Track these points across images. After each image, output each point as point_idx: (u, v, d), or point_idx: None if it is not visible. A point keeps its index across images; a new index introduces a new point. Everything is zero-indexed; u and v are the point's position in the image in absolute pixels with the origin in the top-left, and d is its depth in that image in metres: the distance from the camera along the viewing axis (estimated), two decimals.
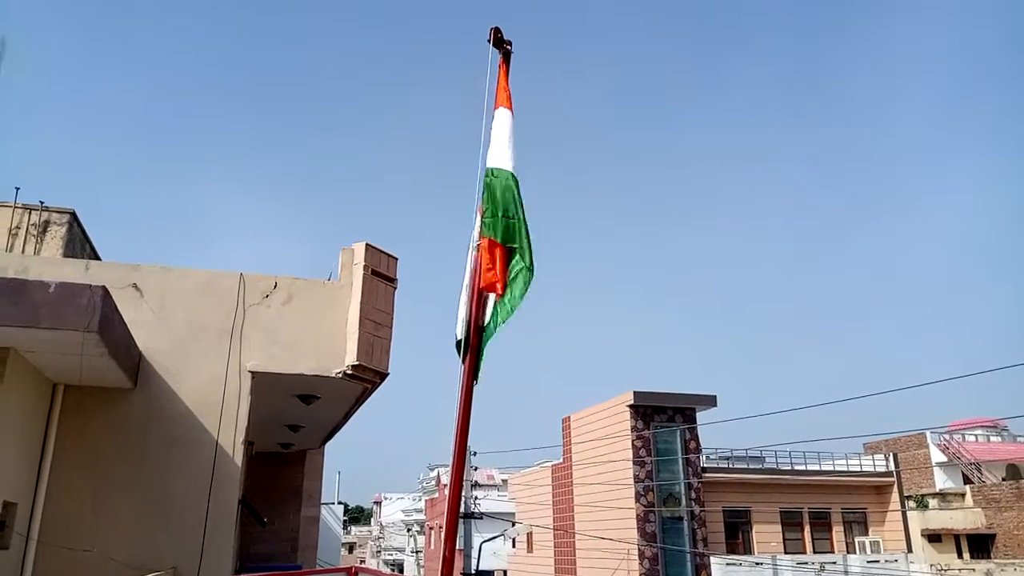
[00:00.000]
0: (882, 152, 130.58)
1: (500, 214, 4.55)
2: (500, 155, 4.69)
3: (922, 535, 27.61)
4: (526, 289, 4.49)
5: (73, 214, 9.28)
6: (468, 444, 4.97)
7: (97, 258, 9.87)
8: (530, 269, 4.53)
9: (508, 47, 4.95)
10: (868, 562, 25.51)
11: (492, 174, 4.65)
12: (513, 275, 4.52)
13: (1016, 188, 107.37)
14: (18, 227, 8.84)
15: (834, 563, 25.14)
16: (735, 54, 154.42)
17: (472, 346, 4.59)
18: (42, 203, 9.03)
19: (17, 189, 9.06)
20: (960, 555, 28.02)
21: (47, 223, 8.99)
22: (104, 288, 6.12)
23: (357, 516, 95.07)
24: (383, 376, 8.98)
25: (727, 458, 27.04)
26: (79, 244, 9.59)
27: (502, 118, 4.81)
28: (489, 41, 4.88)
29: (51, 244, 8.93)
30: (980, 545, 28.61)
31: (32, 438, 7.19)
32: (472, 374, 4.57)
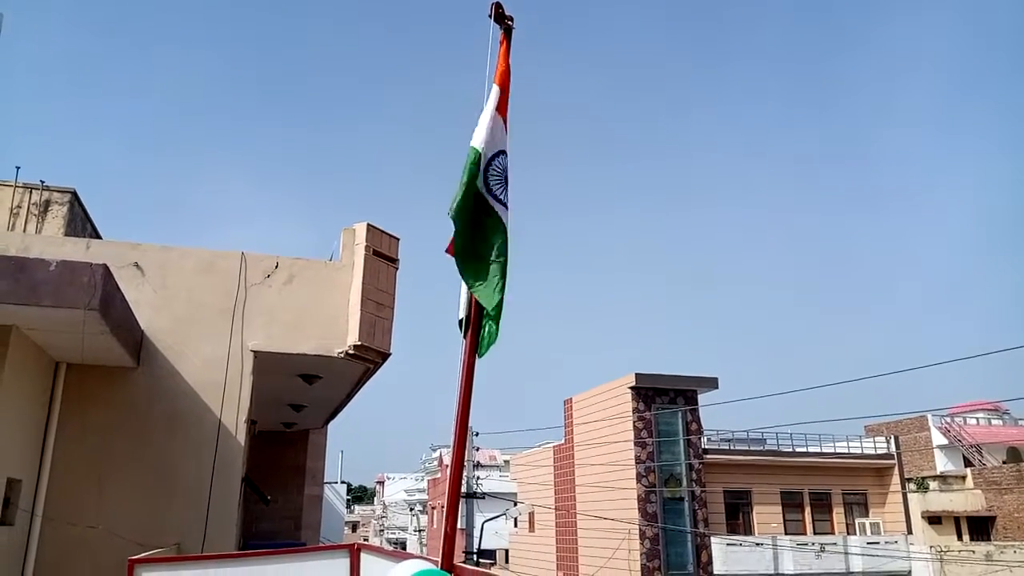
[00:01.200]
0: (882, 146, 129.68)
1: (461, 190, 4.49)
2: (476, 133, 4.63)
3: (922, 517, 27.73)
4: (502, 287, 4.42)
5: (74, 193, 9.25)
6: (470, 424, 4.97)
7: (98, 238, 9.85)
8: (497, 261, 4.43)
9: (509, 23, 4.86)
10: (868, 543, 25.64)
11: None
12: (490, 280, 4.44)
13: (1016, 182, 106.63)
14: (19, 206, 8.82)
15: (834, 544, 25.28)
16: (736, 48, 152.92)
17: (473, 324, 4.57)
18: (43, 182, 9.00)
19: (18, 168, 9.03)
20: (960, 537, 28.15)
21: (48, 202, 8.97)
22: (105, 266, 6.10)
23: (360, 496, 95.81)
24: (385, 356, 8.99)
25: (728, 440, 27.10)
26: (80, 223, 9.57)
27: (491, 96, 4.75)
28: (490, 16, 4.79)
29: (52, 223, 8.92)
30: (980, 527, 28.75)
31: (35, 415, 7.22)
32: (474, 351, 4.55)
